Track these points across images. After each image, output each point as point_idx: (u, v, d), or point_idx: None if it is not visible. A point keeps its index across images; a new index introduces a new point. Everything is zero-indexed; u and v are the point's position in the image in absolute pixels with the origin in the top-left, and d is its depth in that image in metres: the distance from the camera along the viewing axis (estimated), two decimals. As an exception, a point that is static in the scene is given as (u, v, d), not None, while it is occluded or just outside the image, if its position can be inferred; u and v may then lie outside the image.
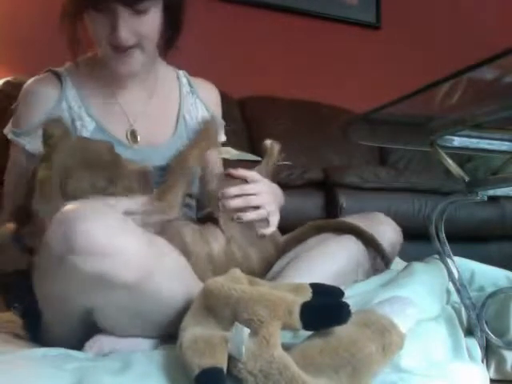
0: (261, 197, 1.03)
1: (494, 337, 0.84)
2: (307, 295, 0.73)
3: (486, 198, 0.85)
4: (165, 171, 1.02)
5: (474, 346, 0.84)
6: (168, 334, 0.83)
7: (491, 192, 0.85)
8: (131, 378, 0.69)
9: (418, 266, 0.99)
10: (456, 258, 0.95)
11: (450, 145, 0.87)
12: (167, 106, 1.18)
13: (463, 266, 1.02)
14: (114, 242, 0.74)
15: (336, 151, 2.51)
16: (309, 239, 1.06)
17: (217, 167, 1.27)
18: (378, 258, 1.03)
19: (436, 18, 3.10)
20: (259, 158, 1.99)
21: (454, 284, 0.90)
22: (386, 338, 0.67)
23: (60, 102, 1.08)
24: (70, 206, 0.76)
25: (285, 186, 1.86)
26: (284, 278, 0.95)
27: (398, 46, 3.03)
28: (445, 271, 0.92)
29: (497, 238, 2.20)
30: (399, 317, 0.70)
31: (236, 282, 0.75)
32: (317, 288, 0.76)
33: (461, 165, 0.86)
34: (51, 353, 0.81)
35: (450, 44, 2.99)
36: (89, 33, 1.04)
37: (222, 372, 0.63)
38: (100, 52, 1.07)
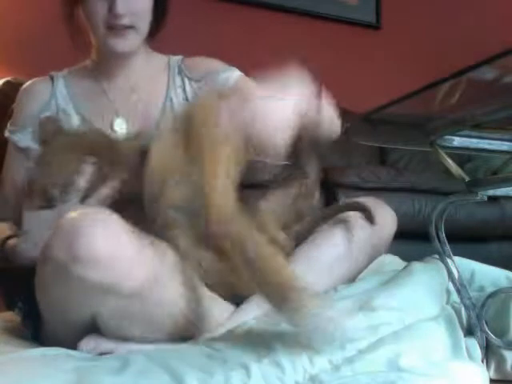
0: None
1: (493, 337, 0.84)
2: None
3: (485, 198, 0.85)
4: None
5: (474, 345, 0.84)
6: (168, 338, 0.84)
7: (491, 192, 0.85)
8: (131, 377, 0.69)
9: (417, 265, 0.99)
10: (456, 258, 0.95)
11: (449, 145, 0.87)
12: (154, 96, 1.18)
13: (463, 265, 1.02)
14: (117, 251, 0.75)
15: (336, 151, 2.51)
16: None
17: None
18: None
19: (436, 18, 3.10)
20: (259, 158, 1.99)
21: (454, 284, 0.90)
22: None
23: (50, 101, 1.13)
24: (72, 214, 0.76)
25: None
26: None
27: (398, 46, 3.03)
28: (445, 271, 0.92)
29: (497, 238, 2.19)
30: None
31: None
32: None
33: (461, 165, 0.86)
34: (50, 352, 0.81)
35: (450, 44, 2.99)
36: (85, 22, 1.09)
37: None
38: (96, 39, 1.11)
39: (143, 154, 0.92)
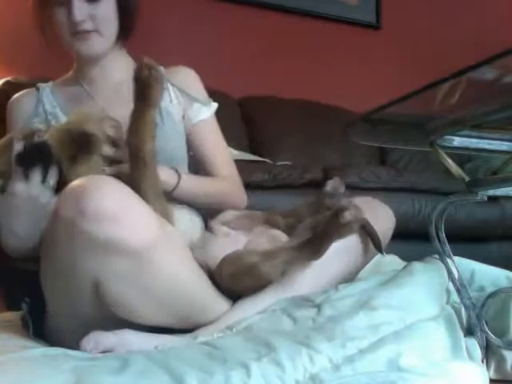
0: None
1: (493, 337, 0.84)
2: None
3: (486, 198, 0.85)
4: None
5: (474, 345, 0.84)
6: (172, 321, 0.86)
7: (491, 192, 0.85)
8: (131, 377, 0.69)
9: (417, 265, 0.99)
10: (456, 258, 0.95)
11: (449, 145, 0.87)
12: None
13: (463, 265, 1.02)
14: (123, 208, 0.79)
15: (336, 151, 2.51)
16: None
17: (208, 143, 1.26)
18: (369, 241, 1.04)
19: (436, 18, 3.10)
20: (259, 158, 1.99)
21: (454, 284, 0.90)
22: None
23: (37, 107, 1.18)
24: (79, 179, 0.80)
25: (285, 186, 1.88)
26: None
27: (398, 45, 3.03)
28: (445, 271, 0.92)
29: (497, 238, 2.19)
30: None
31: None
32: None
33: (461, 165, 0.86)
34: (50, 353, 0.81)
35: (450, 44, 2.99)
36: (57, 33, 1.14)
37: None
38: (65, 45, 1.15)
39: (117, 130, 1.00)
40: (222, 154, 1.23)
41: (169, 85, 1.21)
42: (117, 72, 1.19)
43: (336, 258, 0.98)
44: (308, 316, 0.86)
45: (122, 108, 1.11)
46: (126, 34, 1.18)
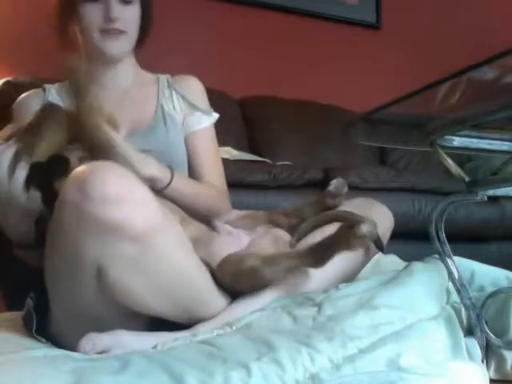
0: None
1: (493, 337, 0.84)
2: None
3: (486, 198, 0.85)
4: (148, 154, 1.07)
5: (474, 345, 0.84)
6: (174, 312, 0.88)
7: (491, 192, 0.85)
8: (131, 377, 0.69)
9: (417, 265, 0.99)
10: (456, 258, 0.95)
11: (449, 145, 0.87)
12: (145, 93, 1.24)
13: (463, 265, 1.02)
14: (127, 191, 0.80)
15: (336, 151, 2.51)
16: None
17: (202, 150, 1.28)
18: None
19: (436, 18, 3.10)
20: (259, 158, 1.99)
21: (454, 284, 0.90)
22: None
23: None
24: (83, 165, 0.82)
25: (285, 186, 1.88)
26: None
27: (398, 46, 3.03)
28: (445, 271, 0.92)
29: (497, 238, 2.19)
30: None
31: None
32: None
33: (461, 165, 0.86)
34: (51, 353, 0.81)
35: (450, 44, 2.99)
36: (77, 33, 1.16)
37: None
38: (88, 45, 1.16)
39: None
40: (215, 166, 1.26)
41: (172, 92, 1.25)
42: (126, 79, 1.22)
43: (339, 258, 0.98)
44: (308, 315, 0.86)
45: (125, 114, 1.13)
46: (141, 41, 1.22)
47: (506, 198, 2.09)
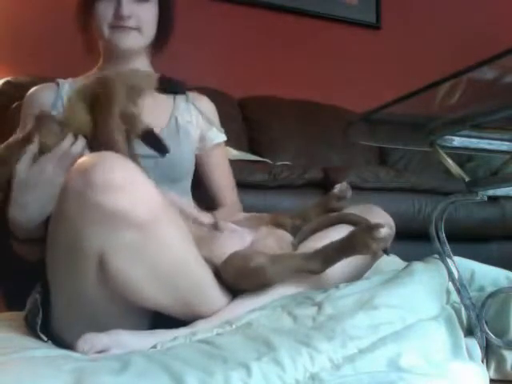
0: None
1: (493, 337, 0.84)
2: None
3: (486, 198, 0.85)
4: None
5: (474, 345, 0.84)
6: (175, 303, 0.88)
7: (491, 192, 0.85)
8: (131, 377, 0.69)
9: (417, 265, 0.99)
10: (456, 258, 0.95)
11: (449, 145, 0.87)
12: (160, 104, 1.24)
13: (463, 265, 1.02)
14: (130, 180, 0.81)
15: (336, 151, 2.51)
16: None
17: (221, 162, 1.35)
18: None
19: (436, 17, 3.10)
20: (259, 158, 1.99)
21: (454, 284, 0.90)
22: None
23: (56, 102, 1.18)
24: (87, 156, 0.83)
25: (285, 186, 1.88)
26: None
27: (398, 46, 3.03)
28: (445, 271, 0.92)
29: (497, 238, 2.19)
30: None
31: None
32: None
33: (461, 165, 0.86)
34: (52, 353, 0.81)
35: (450, 44, 2.99)
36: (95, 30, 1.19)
37: None
38: (102, 41, 1.19)
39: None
40: (230, 180, 1.34)
41: (191, 106, 1.28)
42: None
43: (347, 261, 0.98)
44: (308, 314, 0.86)
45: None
46: (159, 43, 1.24)
47: (506, 197, 2.09)
